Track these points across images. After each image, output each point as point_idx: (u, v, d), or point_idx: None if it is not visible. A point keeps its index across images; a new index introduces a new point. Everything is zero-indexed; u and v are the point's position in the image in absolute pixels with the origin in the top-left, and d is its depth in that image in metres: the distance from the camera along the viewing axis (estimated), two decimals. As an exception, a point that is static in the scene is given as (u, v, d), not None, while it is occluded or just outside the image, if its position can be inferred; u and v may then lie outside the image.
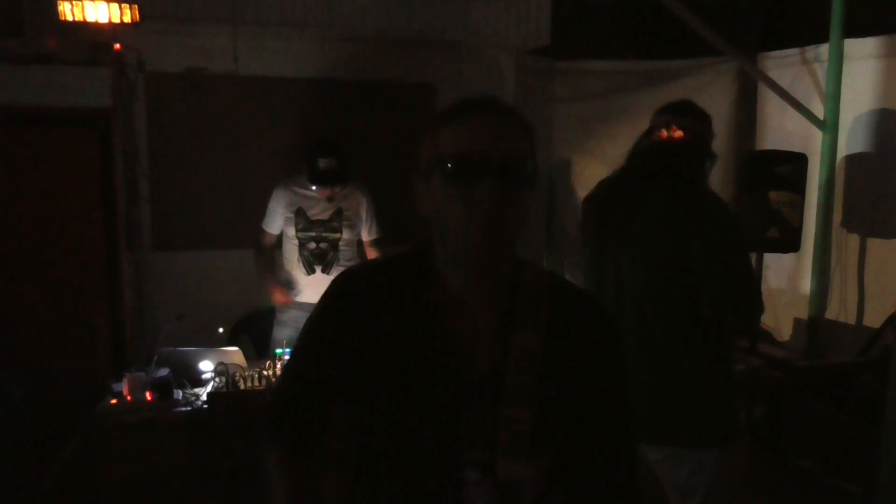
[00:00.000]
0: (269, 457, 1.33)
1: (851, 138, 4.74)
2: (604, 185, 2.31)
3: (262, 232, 3.77)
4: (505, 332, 1.17)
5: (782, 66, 5.15)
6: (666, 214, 2.08)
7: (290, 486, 1.31)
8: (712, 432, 2.12)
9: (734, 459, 2.17)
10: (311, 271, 3.68)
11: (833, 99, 4.68)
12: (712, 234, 2.04)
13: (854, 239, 4.77)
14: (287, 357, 2.98)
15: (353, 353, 1.19)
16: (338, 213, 3.68)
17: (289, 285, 3.73)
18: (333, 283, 1.26)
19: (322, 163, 3.54)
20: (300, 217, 3.66)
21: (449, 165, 1.11)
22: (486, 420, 1.14)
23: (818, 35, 4.80)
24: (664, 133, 2.21)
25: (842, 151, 4.76)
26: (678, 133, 2.19)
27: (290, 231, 3.68)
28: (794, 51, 5.09)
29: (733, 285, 2.03)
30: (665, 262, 2.07)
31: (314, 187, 3.62)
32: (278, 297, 3.70)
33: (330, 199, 3.65)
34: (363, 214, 3.77)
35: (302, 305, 3.63)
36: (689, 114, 2.23)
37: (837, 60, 4.63)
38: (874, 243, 4.67)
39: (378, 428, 1.18)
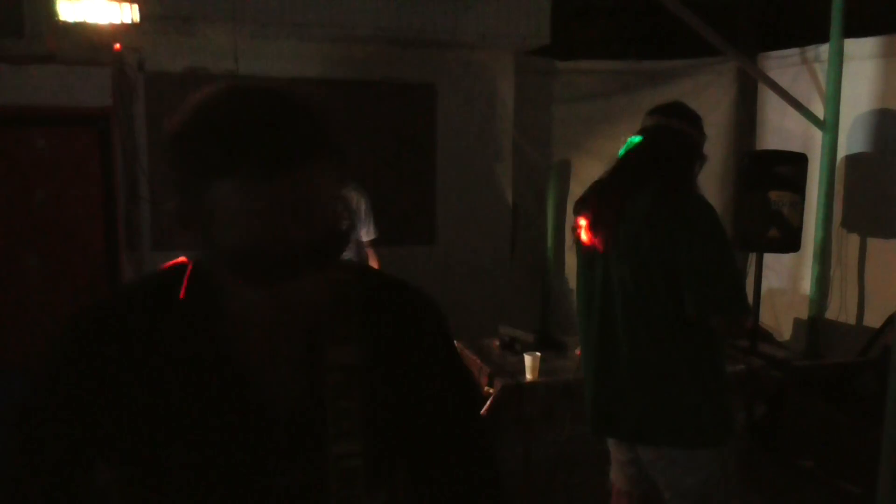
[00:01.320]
0: None
1: (851, 138, 4.74)
2: (595, 186, 2.32)
3: None
4: (314, 351, 0.94)
5: (782, 66, 5.15)
6: (652, 215, 2.08)
7: None
8: (705, 432, 2.12)
9: (728, 459, 2.17)
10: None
11: (833, 99, 4.68)
12: (696, 236, 2.04)
13: (854, 239, 4.77)
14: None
15: (109, 407, 0.91)
16: None
17: None
18: (66, 322, 0.95)
19: None
20: None
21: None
22: (311, 463, 0.92)
23: (818, 35, 4.80)
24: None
25: (842, 151, 4.76)
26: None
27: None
28: (794, 51, 5.09)
29: (716, 286, 2.03)
30: (651, 262, 2.07)
31: None
32: None
33: None
34: (361, 215, 3.77)
35: None
36: (679, 115, 2.23)
37: (837, 60, 4.63)
38: (874, 243, 4.67)
39: (165, 496, 0.93)
